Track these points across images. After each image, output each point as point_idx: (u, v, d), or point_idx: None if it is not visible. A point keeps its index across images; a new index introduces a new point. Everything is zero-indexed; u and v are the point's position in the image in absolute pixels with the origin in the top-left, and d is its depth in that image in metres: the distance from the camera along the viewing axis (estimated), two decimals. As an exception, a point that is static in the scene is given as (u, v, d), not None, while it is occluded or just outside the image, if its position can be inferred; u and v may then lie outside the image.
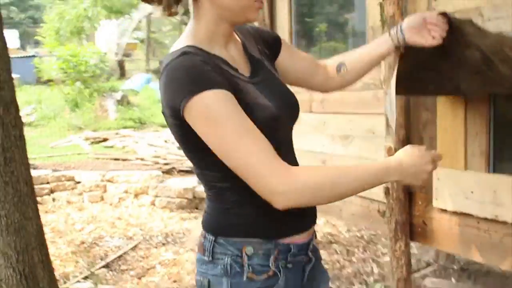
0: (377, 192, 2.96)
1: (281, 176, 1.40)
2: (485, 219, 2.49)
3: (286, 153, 1.61)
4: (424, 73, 2.21)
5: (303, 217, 1.63)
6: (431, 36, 1.80)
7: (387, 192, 2.88)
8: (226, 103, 1.41)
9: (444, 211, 2.70)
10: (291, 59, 1.84)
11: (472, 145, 2.54)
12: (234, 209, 1.57)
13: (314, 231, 1.71)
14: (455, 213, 2.64)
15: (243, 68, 1.62)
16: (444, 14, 1.82)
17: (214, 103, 1.39)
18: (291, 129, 1.70)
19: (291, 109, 1.67)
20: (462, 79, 2.18)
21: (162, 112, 1.52)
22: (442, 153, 2.53)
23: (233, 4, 1.53)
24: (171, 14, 1.57)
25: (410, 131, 2.89)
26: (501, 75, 1.98)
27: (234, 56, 1.62)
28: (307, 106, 3.69)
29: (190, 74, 1.41)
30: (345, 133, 3.41)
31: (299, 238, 1.62)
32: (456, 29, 1.84)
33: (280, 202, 1.41)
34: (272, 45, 1.81)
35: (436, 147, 2.73)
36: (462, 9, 2.44)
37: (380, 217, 3.04)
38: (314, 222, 1.69)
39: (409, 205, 2.90)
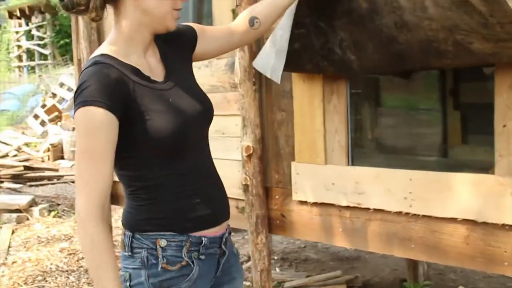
0: (235, 191, 3.06)
1: (82, 211, 1.54)
2: (347, 207, 2.72)
3: (198, 152, 1.74)
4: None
5: (213, 213, 1.74)
6: None
7: (246, 189, 2.99)
8: (98, 125, 1.53)
9: (304, 203, 2.89)
10: (206, 40, 1.91)
11: (331, 142, 2.76)
12: (148, 206, 1.67)
13: (228, 226, 1.83)
14: (315, 204, 2.85)
15: (158, 74, 1.71)
16: None
17: (89, 120, 1.53)
18: (206, 130, 1.81)
19: (204, 112, 1.76)
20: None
21: None
22: (300, 150, 2.74)
23: (156, 9, 1.62)
24: (94, 19, 1.66)
25: (265, 130, 3.03)
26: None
27: (150, 63, 1.70)
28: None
29: (89, 87, 1.53)
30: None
31: (211, 232, 1.72)
32: None
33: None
34: (189, 39, 1.88)
35: (294, 145, 2.91)
36: None
37: (239, 214, 3.13)
38: (226, 218, 1.81)
39: (267, 199, 3.03)
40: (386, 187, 2.59)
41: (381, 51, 2.31)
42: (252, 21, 1.97)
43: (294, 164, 2.92)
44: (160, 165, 1.65)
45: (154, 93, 1.64)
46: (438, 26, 2.06)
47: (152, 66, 1.70)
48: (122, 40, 1.66)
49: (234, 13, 2.94)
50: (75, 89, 1.60)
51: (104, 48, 1.65)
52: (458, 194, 2.37)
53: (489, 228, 2.31)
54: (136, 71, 1.63)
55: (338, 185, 2.75)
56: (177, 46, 1.83)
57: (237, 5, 2.93)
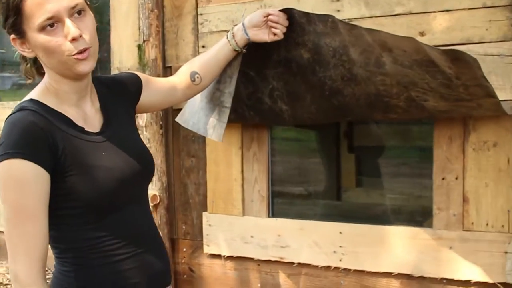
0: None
1: (24, 281, 1.35)
2: (268, 261, 2.52)
3: (134, 211, 1.54)
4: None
5: (149, 281, 1.55)
6: (272, 33, 1.87)
7: (151, 242, 2.65)
8: (25, 180, 1.35)
9: (217, 256, 2.64)
10: (151, 92, 1.77)
11: (250, 191, 2.55)
12: (76, 273, 1.47)
13: None
14: (230, 257, 2.61)
15: (95, 124, 1.53)
16: (285, 10, 1.87)
17: (14, 174, 1.34)
18: (144, 188, 1.64)
19: (141, 169, 1.56)
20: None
21: None
22: (213, 200, 2.50)
23: (51, 63, 1.44)
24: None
25: (173, 177, 2.72)
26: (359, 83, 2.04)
27: (86, 112, 1.53)
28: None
29: (12, 137, 1.35)
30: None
31: None
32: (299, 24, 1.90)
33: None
34: (134, 88, 1.73)
35: (205, 194, 2.65)
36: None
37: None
38: (165, 286, 1.63)
39: (172, 252, 2.72)
40: (313, 240, 2.42)
41: (321, 103, 2.17)
42: (193, 76, 1.86)
43: (206, 215, 2.65)
44: (88, 226, 1.44)
45: (86, 145, 1.45)
46: (393, 81, 1.96)
47: (88, 115, 1.52)
48: (49, 89, 1.48)
49: (141, 49, 2.61)
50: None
51: (34, 94, 1.47)
52: (393, 248, 2.28)
53: (426, 283, 2.25)
54: (68, 121, 1.44)
55: (257, 238, 2.55)
56: (120, 95, 1.66)
57: (144, 40, 2.61)
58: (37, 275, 1.34)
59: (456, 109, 1.99)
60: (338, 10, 2.30)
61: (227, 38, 1.89)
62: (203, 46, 2.59)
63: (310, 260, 2.44)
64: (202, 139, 2.64)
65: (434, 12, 2.14)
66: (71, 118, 1.45)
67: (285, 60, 2.06)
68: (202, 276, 2.70)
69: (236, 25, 1.91)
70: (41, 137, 1.36)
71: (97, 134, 1.49)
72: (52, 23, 1.37)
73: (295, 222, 2.47)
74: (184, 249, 2.74)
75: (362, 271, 2.35)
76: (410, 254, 2.25)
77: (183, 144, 2.70)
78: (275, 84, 2.17)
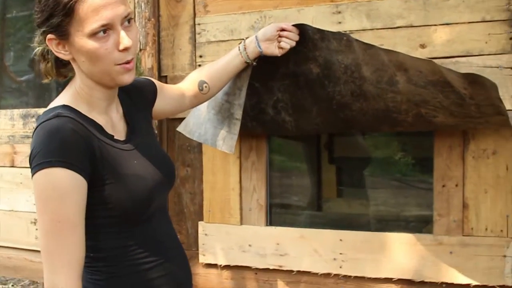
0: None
1: (57, 285, 1.30)
2: (266, 269, 2.49)
3: (160, 219, 1.52)
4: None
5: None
6: (280, 46, 1.88)
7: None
8: (68, 189, 1.29)
9: (213, 266, 2.60)
10: (164, 98, 1.74)
11: (248, 200, 2.53)
12: (106, 282, 1.43)
13: None
14: (227, 267, 2.57)
15: (120, 131, 1.50)
16: (298, 26, 1.88)
17: (57, 184, 1.28)
18: (168, 192, 1.62)
19: (167, 175, 1.55)
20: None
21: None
22: (209, 209, 2.47)
23: (92, 70, 1.38)
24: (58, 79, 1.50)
25: (167, 187, 2.66)
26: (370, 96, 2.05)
27: (113, 119, 1.49)
28: (8, 160, 2.98)
29: (52, 144, 1.28)
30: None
31: None
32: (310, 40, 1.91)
33: None
34: (150, 93, 1.70)
35: (200, 204, 2.61)
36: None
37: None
38: None
39: (167, 263, 2.65)
40: (313, 248, 2.41)
41: (327, 115, 2.19)
42: (201, 85, 1.84)
43: (202, 224, 2.61)
44: (120, 234, 1.41)
45: (119, 153, 1.42)
46: (404, 99, 2.00)
47: (114, 122, 1.48)
48: (82, 94, 1.43)
49: (137, 58, 2.55)
50: (33, 146, 1.32)
51: (65, 99, 1.41)
52: (393, 254, 2.30)
53: (427, 287, 2.24)
54: (100, 128, 1.40)
55: (256, 247, 2.52)
56: (139, 100, 1.63)
57: (140, 49, 2.57)
58: (77, 285, 1.30)
59: (464, 124, 2.05)
60: (340, 22, 2.32)
61: (239, 49, 1.88)
62: (200, 56, 2.56)
63: (309, 267, 2.43)
64: (198, 148, 2.61)
65: (435, 25, 2.19)
66: (102, 125, 1.42)
67: (293, 73, 2.07)
68: (198, 286, 2.65)
69: (248, 37, 1.91)
70: (81, 146, 1.32)
71: (124, 142, 1.46)
72: (104, 30, 1.32)
73: (295, 230, 2.47)
74: (179, 259, 2.68)
75: (362, 278, 2.36)
76: (411, 259, 2.27)
77: (178, 153, 2.65)
78: (280, 96, 2.18)
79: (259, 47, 1.86)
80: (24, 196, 3.07)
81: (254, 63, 1.90)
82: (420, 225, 2.44)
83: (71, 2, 1.30)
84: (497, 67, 2.11)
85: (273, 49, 1.87)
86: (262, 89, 2.17)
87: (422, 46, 2.21)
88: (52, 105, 1.41)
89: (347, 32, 2.30)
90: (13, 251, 3.13)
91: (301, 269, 2.45)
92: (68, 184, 1.28)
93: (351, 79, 1.99)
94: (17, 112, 3.10)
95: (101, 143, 1.38)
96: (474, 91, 1.82)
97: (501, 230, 2.16)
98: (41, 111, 3.01)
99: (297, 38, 1.89)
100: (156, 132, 2.63)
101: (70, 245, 1.29)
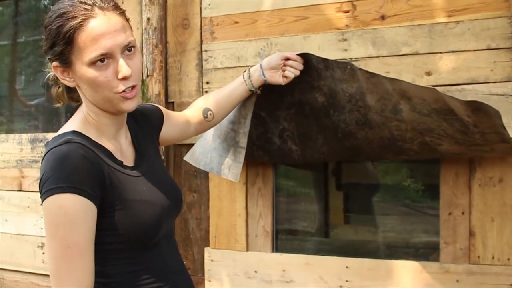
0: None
1: None
2: (272, 296, 2.46)
3: (167, 245, 1.52)
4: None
5: None
6: (284, 75, 1.88)
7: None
8: (80, 215, 1.29)
9: (219, 291, 2.56)
10: (170, 125, 1.76)
11: (254, 227, 2.52)
12: None
13: None
14: (232, 292, 2.54)
15: (129, 157, 1.51)
16: (302, 55, 1.88)
17: (68, 210, 1.28)
18: (175, 218, 1.64)
19: (174, 202, 1.56)
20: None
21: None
22: (215, 235, 2.46)
23: (95, 97, 1.40)
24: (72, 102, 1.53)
25: (173, 212, 2.65)
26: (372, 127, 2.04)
27: (122, 145, 1.50)
28: (16, 184, 2.99)
29: (63, 170, 1.29)
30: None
31: None
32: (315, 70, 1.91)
33: None
34: (158, 120, 1.72)
35: (207, 229, 2.59)
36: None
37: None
38: None
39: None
40: (318, 275, 2.39)
41: (333, 144, 2.19)
42: (205, 113, 1.86)
43: (208, 250, 2.59)
44: (128, 260, 1.41)
45: (128, 180, 1.42)
46: (408, 127, 1.99)
47: (123, 148, 1.49)
48: (90, 121, 1.45)
49: (144, 84, 2.58)
50: (43, 171, 1.32)
51: (74, 125, 1.43)
52: (400, 282, 2.27)
53: (433, 316, 2.22)
54: (109, 154, 1.41)
55: (261, 273, 2.50)
56: (146, 126, 1.64)
57: (148, 75, 2.58)
58: None
59: (469, 152, 2.03)
60: (345, 49, 2.33)
61: (243, 77, 1.88)
62: (207, 82, 2.57)
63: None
64: (205, 174, 2.60)
65: (440, 53, 2.19)
66: (111, 151, 1.43)
67: (298, 102, 2.07)
68: (203, 312, 2.62)
69: (253, 65, 1.91)
70: (91, 172, 1.32)
71: (133, 168, 1.47)
72: (103, 59, 1.33)
73: (301, 257, 2.45)
74: (184, 285, 2.66)
75: (369, 305, 2.33)
76: (417, 287, 2.24)
77: (185, 179, 2.65)
78: (286, 125, 2.18)
79: (264, 75, 1.86)
80: (31, 220, 3.08)
81: (259, 92, 1.91)
82: (428, 252, 2.41)
83: (71, 31, 1.31)
84: (503, 95, 2.10)
85: (277, 78, 1.87)
86: (268, 118, 2.17)
87: (428, 73, 2.21)
88: (62, 130, 1.42)
89: (353, 59, 2.30)
90: (20, 274, 3.12)
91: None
92: (78, 210, 1.28)
93: (355, 108, 1.99)
94: (25, 136, 3.11)
95: (111, 169, 1.38)
96: (478, 118, 1.82)
97: (508, 259, 2.14)
98: (49, 135, 3.03)
99: (301, 67, 1.89)
100: (163, 158, 2.63)
101: (79, 270, 1.28)
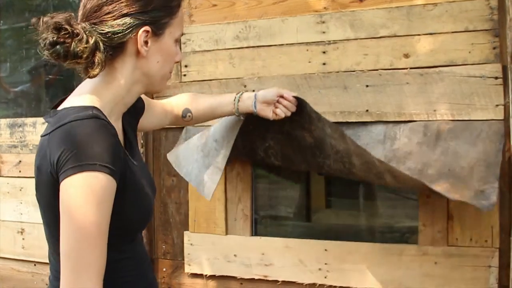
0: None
1: None
2: (251, 279, 2.44)
3: (140, 236, 1.52)
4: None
5: None
6: (275, 112, 1.83)
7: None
8: (107, 197, 1.22)
9: (199, 275, 2.55)
10: (149, 114, 1.72)
11: (233, 211, 2.48)
12: None
13: None
14: (213, 276, 2.52)
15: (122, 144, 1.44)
16: (299, 99, 1.84)
17: (98, 189, 1.19)
18: None
19: (154, 194, 1.54)
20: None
21: (38, 166, 1.28)
22: (194, 219, 2.42)
23: (158, 71, 1.39)
24: (90, 76, 1.31)
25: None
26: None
27: (118, 131, 1.40)
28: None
29: (94, 147, 1.19)
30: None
31: None
32: (306, 115, 1.87)
33: None
34: (139, 109, 1.65)
35: (186, 213, 2.55)
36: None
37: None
38: None
39: (152, 273, 2.60)
40: (298, 258, 2.36)
41: (315, 169, 2.23)
42: (185, 113, 1.85)
43: (187, 234, 2.55)
44: (115, 247, 1.31)
45: (133, 167, 1.36)
46: (392, 182, 1.97)
47: (119, 134, 1.40)
48: (111, 97, 1.35)
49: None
50: (64, 145, 1.20)
51: (93, 100, 1.31)
52: (379, 264, 2.23)
53: (411, 298, 2.20)
54: (117, 136, 1.31)
55: (241, 257, 2.47)
56: (129, 114, 1.54)
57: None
58: None
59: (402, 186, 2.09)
60: (324, 32, 2.29)
61: (234, 99, 1.83)
62: (186, 66, 2.52)
63: (294, 277, 2.38)
64: (184, 158, 2.56)
65: (418, 35, 2.15)
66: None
67: (287, 133, 2.04)
68: (183, 296, 2.59)
69: (247, 91, 1.93)
70: (119, 153, 1.26)
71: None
72: None
73: (280, 240, 2.42)
74: (164, 269, 2.63)
75: (347, 288, 2.30)
76: (396, 270, 2.22)
77: (164, 163, 2.60)
78: (272, 143, 2.16)
79: (255, 107, 1.81)
80: (11, 205, 3.01)
81: (242, 118, 1.87)
82: (409, 236, 2.38)
83: (177, 5, 1.38)
84: (481, 77, 2.07)
85: (267, 112, 1.81)
86: (255, 133, 2.12)
87: (406, 55, 2.17)
88: (77, 103, 1.31)
89: (331, 42, 2.26)
90: (0, 260, 3.07)
91: (286, 279, 2.40)
92: (107, 190, 1.21)
93: (340, 160, 1.96)
94: (4, 121, 3.04)
95: (125, 153, 1.34)
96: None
97: (486, 241, 2.11)
98: (28, 120, 2.97)
99: (293, 109, 1.83)
100: (142, 142, 2.59)
101: (98, 251, 1.20)
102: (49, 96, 3.52)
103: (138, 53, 1.34)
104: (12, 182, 3.02)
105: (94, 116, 1.24)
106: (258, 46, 2.40)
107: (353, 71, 2.24)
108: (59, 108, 1.33)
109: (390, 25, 2.19)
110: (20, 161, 2.97)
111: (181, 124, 1.91)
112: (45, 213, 1.33)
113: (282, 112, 1.81)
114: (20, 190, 2.99)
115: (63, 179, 1.18)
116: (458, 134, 2.07)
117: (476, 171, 1.99)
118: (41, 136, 1.31)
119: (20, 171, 3.00)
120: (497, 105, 2.03)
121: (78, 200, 1.17)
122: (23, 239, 2.98)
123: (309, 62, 2.31)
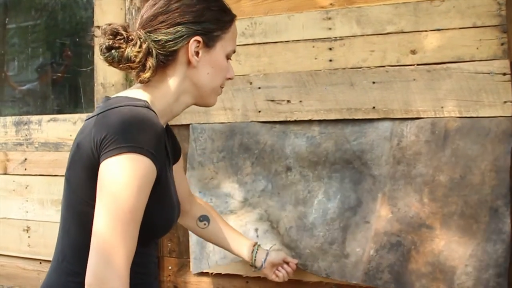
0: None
1: (110, 279, 1.14)
2: (257, 278, 2.41)
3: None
4: None
5: None
6: (275, 274, 2.02)
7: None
8: (149, 182, 1.22)
9: (205, 274, 2.51)
10: (177, 174, 1.72)
11: (239, 208, 2.44)
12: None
13: None
14: (219, 275, 2.48)
15: None
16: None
17: (144, 174, 1.19)
18: None
19: (176, 219, 1.53)
20: None
21: (78, 143, 1.29)
22: None
23: (208, 83, 1.44)
24: (142, 81, 1.36)
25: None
26: None
27: None
28: (1, 167, 2.92)
29: (145, 132, 1.21)
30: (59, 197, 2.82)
31: None
32: None
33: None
34: (176, 152, 1.75)
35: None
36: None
37: None
38: None
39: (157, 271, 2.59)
40: (304, 256, 2.32)
41: None
42: (202, 219, 1.93)
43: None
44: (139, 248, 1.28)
45: (168, 169, 1.42)
46: None
47: None
48: (160, 101, 1.39)
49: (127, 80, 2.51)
50: (112, 126, 1.21)
51: (145, 97, 1.35)
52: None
53: None
54: (164, 134, 1.37)
55: (246, 255, 2.41)
56: (171, 147, 1.64)
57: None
58: (128, 283, 1.18)
59: None
60: (330, 28, 2.26)
61: (253, 245, 1.98)
62: (191, 63, 2.49)
63: (300, 276, 2.34)
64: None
65: (426, 31, 2.13)
66: None
67: None
68: (188, 294, 2.57)
69: (260, 245, 2.01)
70: (163, 148, 1.30)
71: None
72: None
73: (285, 239, 2.38)
74: (170, 267, 2.61)
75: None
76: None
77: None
78: None
79: (264, 263, 1.97)
80: (17, 203, 3.00)
81: (253, 270, 2.03)
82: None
83: (230, 21, 1.46)
84: (489, 73, 2.03)
85: (268, 272, 2.01)
86: None
87: (413, 52, 2.15)
88: (130, 94, 1.37)
89: (338, 38, 2.24)
90: (6, 258, 3.05)
91: (292, 278, 2.35)
92: (149, 177, 1.21)
93: None
94: (10, 119, 3.03)
95: (165, 154, 1.37)
96: None
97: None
98: (34, 118, 2.95)
99: (291, 276, 2.04)
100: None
101: (132, 237, 1.19)
102: (55, 94, 3.51)
103: (189, 62, 1.39)
104: (18, 180, 3.00)
105: (147, 106, 1.29)
106: (264, 43, 2.38)
107: (360, 68, 2.21)
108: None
109: (397, 21, 2.16)
110: (25, 159, 2.96)
111: (188, 226, 1.99)
112: (73, 193, 1.31)
113: (281, 276, 2.00)
114: (26, 188, 2.97)
115: (106, 158, 1.18)
116: (466, 132, 2.03)
117: (488, 179, 1.96)
118: (87, 119, 1.32)
119: (25, 169, 2.98)
120: (505, 102, 2.00)
121: (121, 180, 1.17)
122: (28, 237, 2.97)
123: (315, 58, 2.28)
